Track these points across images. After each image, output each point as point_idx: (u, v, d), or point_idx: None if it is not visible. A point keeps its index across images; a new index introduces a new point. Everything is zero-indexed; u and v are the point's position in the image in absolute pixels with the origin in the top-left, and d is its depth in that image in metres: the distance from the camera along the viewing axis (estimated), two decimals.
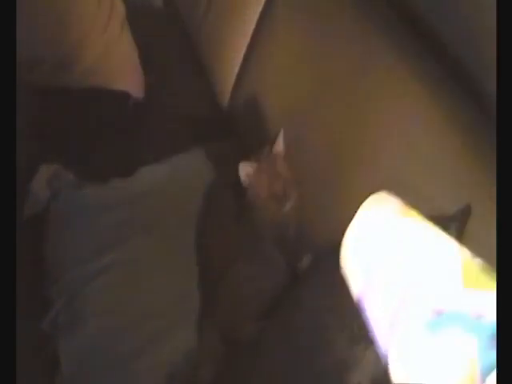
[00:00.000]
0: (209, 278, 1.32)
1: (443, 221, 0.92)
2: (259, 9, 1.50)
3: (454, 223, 0.91)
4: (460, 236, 0.90)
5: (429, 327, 0.54)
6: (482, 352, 0.49)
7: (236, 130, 1.59)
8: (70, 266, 1.34)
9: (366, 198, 1.12)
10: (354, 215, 1.13)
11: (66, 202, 1.44)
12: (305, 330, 1.01)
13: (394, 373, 0.58)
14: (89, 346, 1.23)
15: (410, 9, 1.13)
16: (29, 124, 1.37)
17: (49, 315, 1.28)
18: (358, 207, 1.13)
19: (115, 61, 1.64)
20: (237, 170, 1.28)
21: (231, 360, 1.17)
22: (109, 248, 1.36)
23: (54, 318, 1.28)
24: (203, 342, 1.24)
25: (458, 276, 0.54)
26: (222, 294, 1.27)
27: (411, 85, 1.08)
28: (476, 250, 0.90)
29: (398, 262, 0.61)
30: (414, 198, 1.02)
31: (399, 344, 0.56)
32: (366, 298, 0.65)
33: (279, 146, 1.30)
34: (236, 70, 1.59)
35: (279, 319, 1.10)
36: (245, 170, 1.28)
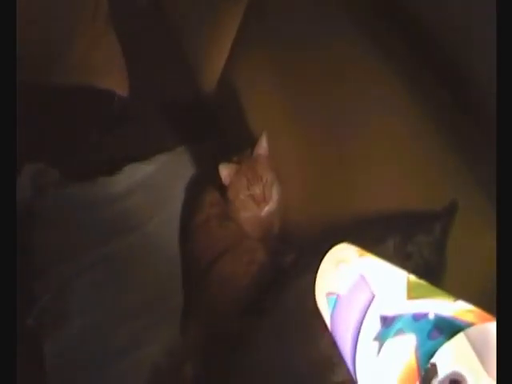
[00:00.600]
0: (193, 274, 1.32)
1: (429, 218, 0.94)
2: (243, 7, 1.51)
3: (440, 222, 0.92)
4: (447, 233, 0.92)
5: (377, 339, 0.60)
6: (419, 345, 0.55)
7: (221, 129, 1.60)
8: (56, 263, 1.34)
9: (350, 198, 1.15)
10: (338, 216, 1.15)
11: (52, 201, 1.44)
12: (289, 329, 1.01)
13: None
14: (74, 343, 1.23)
15: (401, 8, 1.12)
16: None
17: (34, 312, 1.28)
18: (343, 207, 1.16)
19: (100, 59, 1.64)
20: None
21: (215, 357, 1.17)
22: (94, 246, 1.36)
23: (40, 314, 1.28)
24: (187, 339, 1.25)
25: (403, 291, 0.61)
26: (207, 291, 1.27)
27: (395, 84, 1.08)
28: (462, 246, 0.93)
29: (357, 288, 0.69)
30: (400, 197, 1.04)
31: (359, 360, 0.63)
32: (333, 324, 0.72)
33: (261, 148, 1.29)
34: (221, 68, 1.59)
35: (264, 317, 1.10)
36: (225, 170, 1.28)
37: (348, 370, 0.80)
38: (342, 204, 1.16)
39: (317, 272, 1.00)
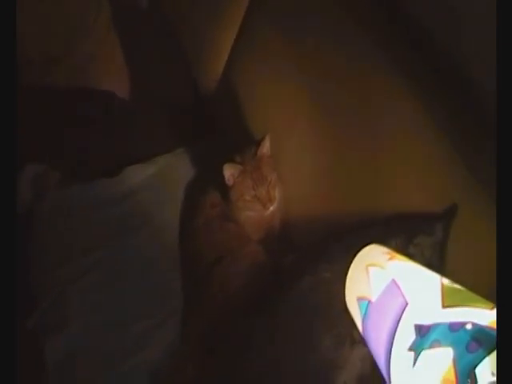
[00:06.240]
0: (194, 276, 1.32)
1: (430, 219, 0.94)
2: (245, 7, 1.51)
3: (441, 223, 0.92)
4: (447, 234, 0.92)
5: (413, 349, 0.59)
6: (458, 358, 0.54)
7: (221, 130, 1.60)
8: (56, 265, 1.34)
9: (351, 199, 1.14)
10: (339, 217, 1.15)
11: (53, 202, 1.44)
12: (291, 330, 1.01)
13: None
14: (75, 345, 1.22)
15: (404, 9, 1.12)
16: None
17: (35, 315, 1.28)
18: (344, 209, 1.15)
19: (101, 61, 1.64)
20: (221, 169, 1.27)
21: (216, 359, 1.17)
22: (94, 247, 1.36)
23: (40, 317, 1.28)
24: (188, 341, 1.24)
25: (438, 299, 0.60)
26: (207, 293, 1.27)
27: (399, 83, 1.07)
28: (463, 247, 0.93)
29: (388, 294, 0.68)
30: (401, 198, 1.04)
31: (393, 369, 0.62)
32: (366, 331, 0.71)
33: (265, 148, 1.29)
34: (221, 69, 1.59)
35: (265, 318, 1.10)
36: (229, 170, 1.28)
37: (352, 367, 0.80)
38: (342, 205, 1.16)
39: (317, 274, 1.00)
